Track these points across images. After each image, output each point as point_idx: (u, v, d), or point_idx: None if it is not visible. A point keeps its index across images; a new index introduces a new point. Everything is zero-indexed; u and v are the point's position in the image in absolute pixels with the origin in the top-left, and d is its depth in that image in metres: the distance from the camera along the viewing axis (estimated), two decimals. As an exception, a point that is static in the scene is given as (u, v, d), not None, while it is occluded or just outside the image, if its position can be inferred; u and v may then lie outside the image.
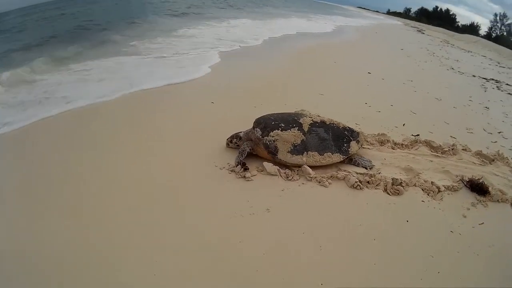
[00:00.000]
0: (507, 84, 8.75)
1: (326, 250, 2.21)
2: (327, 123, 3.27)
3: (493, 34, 35.09)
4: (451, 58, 12.09)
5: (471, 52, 15.92)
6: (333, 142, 3.14)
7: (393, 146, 3.71)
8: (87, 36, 8.88)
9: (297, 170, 2.95)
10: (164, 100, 4.70)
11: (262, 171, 2.91)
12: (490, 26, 37.09)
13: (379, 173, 3.06)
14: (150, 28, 10.25)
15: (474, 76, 9.17)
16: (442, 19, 42.36)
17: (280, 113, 3.34)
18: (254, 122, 3.25)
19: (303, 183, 2.83)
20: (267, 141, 3.04)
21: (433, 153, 3.72)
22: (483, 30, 37.44)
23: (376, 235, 2.39)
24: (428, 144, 3.84)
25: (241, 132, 3.35)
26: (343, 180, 2.93)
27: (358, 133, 3.34)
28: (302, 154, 3.00)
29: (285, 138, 3.02)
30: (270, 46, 9.30)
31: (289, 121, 3.16)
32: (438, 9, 45.61)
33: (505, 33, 34.74)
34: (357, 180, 2.87)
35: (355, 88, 6.02)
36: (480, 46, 20.30)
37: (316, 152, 3.04)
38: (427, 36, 21.51)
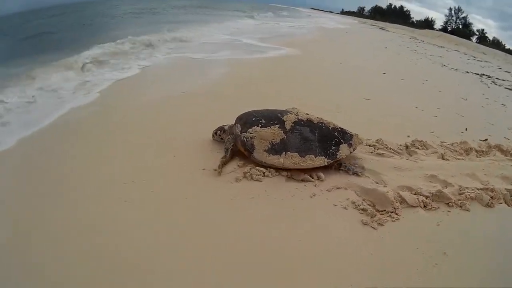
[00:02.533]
0: (497, 79, 9.19)
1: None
2: (315, 122, 2.91)
3: (449, 27, 37.43)
4: (435, 54, 12.59)
5: (443, 47, 16.75)
6: (319, 144, 2.78)
7: (477, 154, 3.64)
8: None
9: (432, 196, 2.56)
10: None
11: (402, 202, 2.45)
12: (446, 20, 39.67)
13: (492, 185, 2.90)
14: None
15: (467, 72, 9.57)
16: (397, 16, 44.50)
17: (266, 110, 3.08)
18: (236, 117, 3.03)
19: (448, 211, 2.49)
20: (244, 138, 2.79)
21: (507, 158, 3.72)
22: (438, 25, 39.86)
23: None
24: (499, 148, 3.82)
25: (226, 125, 3.16)
26: (475, 200, 2.65)
27: (351, 135, 2.96)
28: (280, 155, 2.69)
29: (263, 136, 2.74)
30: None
31: (271, 117, 2.87)
32: (392, 6, 47.98)
33: (460, 26, 37.21)
34: (490, 198, 2.68)
35: (389, 91, 5.93)
36: (445, 40, 21.55)
37: (296, 153, 2.70)
38: (393, 34, 22.37)
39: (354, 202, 2.40)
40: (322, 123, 2.93)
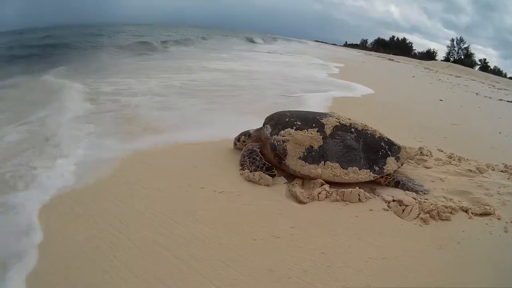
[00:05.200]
0: (528, 106, 9.60)
1: None
2: (359, 128, 2.54)
3: (451, 58, 38.94)
4: (460, 83, 13.16)
5: (460, 77, 17.44)
6: (364, 154, 2.39)
7: None
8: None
9: None
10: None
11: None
12: (448, 51, 41.37)
13: None
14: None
15: (501, 100, 9.99)
16: (399, 48, 46.25)
17: (303, 111, 2.75)
18: (266, 118, 2.66)
19: None
20: (275, 141, 2.39)
21: None
22: (440, 56, 41.53)
23: None
24: None
25: (251, 129, 2.79)
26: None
27: (399, 147, 2.59)
28: (318, 164, 2.30)
29: (298, 140, 2.34)
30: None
31: (309, 119, 2.48)
32: (395, 38, 49.99)
33: (462, 57, 38.70)
34: None
35: (460, 117, 6.08)
36: (456, 70, 22.45)
37: (337, 164, 2.31)
38: (406, 64, 23.25)
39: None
40: (366, 130, 2.58)
